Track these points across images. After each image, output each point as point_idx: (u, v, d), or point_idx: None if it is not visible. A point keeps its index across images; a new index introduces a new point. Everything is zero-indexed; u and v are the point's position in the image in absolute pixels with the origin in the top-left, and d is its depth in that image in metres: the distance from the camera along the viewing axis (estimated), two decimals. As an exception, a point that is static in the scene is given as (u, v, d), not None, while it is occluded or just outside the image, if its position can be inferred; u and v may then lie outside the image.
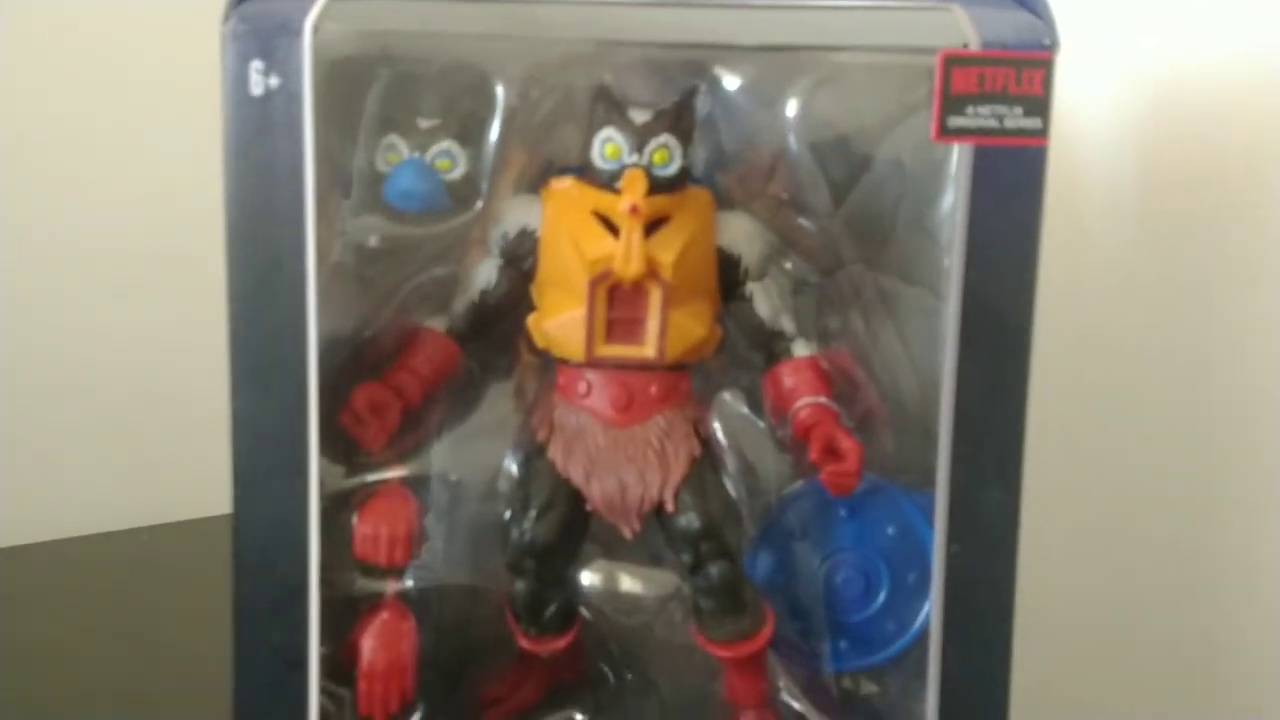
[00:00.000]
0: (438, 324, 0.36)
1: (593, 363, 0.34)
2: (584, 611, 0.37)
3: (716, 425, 0.36)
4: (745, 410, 0.37)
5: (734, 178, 0.35)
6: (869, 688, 0.39)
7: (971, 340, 0.33)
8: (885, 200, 0.37)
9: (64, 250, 0.75)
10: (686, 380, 0.35)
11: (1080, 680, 0.59)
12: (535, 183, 0.35)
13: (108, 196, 0.75)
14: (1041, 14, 0.32)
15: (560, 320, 0.34)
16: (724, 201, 0.36)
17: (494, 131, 0.34)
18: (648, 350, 0.34)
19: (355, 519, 0.34)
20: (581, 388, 0.35)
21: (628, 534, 0.35)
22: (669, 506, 0.34)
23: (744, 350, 0.37)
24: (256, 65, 0.31)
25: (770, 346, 0.37)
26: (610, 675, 0.39)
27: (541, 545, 0.35)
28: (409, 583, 0.35)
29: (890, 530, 0.38)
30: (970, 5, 0.32)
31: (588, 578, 0.36)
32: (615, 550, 0.37)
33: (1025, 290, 0.33)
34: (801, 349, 0.37)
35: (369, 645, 0.35)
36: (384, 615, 0.35)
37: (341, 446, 0.34)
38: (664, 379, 0.35)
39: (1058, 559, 0.55)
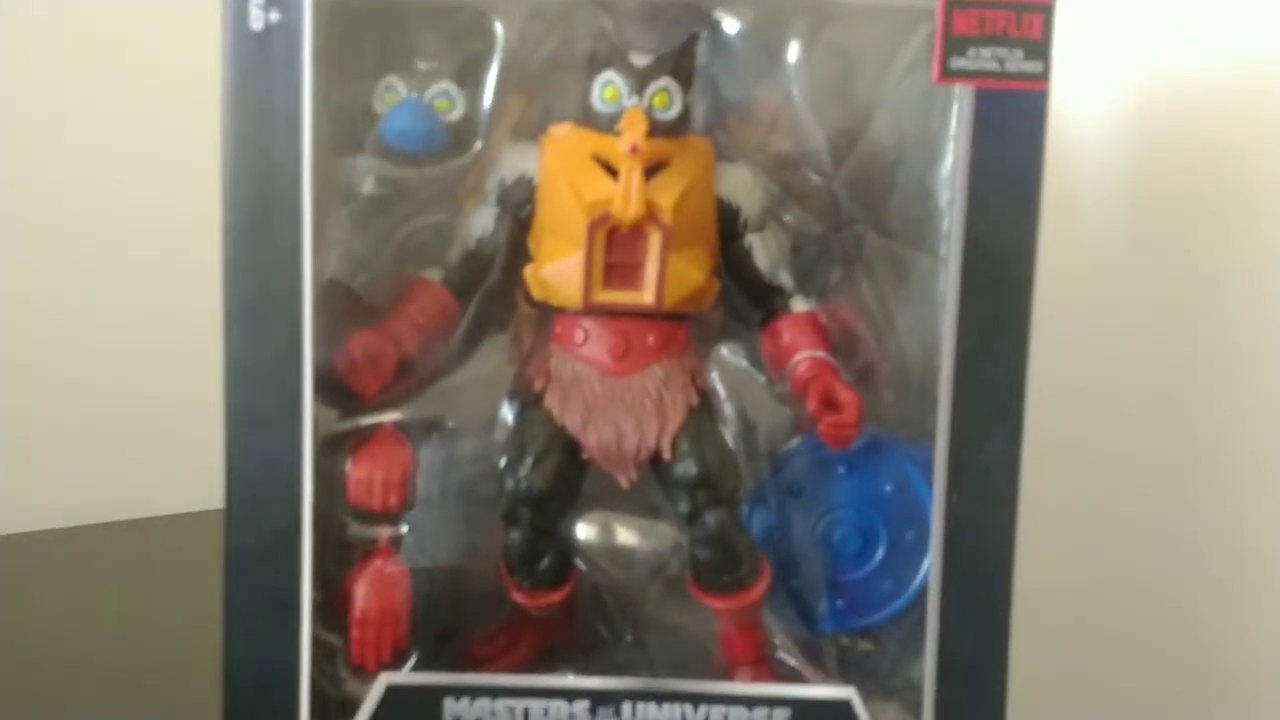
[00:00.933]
0: (434, 275, 0.36)
1: (590, 309, 0.34)
2: (579, 564, 0.36)
3: (715, 378, 0.36)
4: (744, 363, 0.37)
5: (734, 127, 0.35)
6: (864, 645, 0.38)
7: (973, 289, 0.33)
8: (886, 156, 0.37)
9: (56, 239, 0.75)
10: (684, 331, 0.35)
11: (1075, 656, 0.59)
12: (533, 130, 0.35)
13: (101, 188, 0.75)
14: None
15: (558, 266, 0.34)
16: (725, 154, 0.36)
17: (492, 75, 0.34)
18: (646, 296, 0.33)
19: (349, 464, 0.34)
20: (579, 336, 0.34)
21: (624, 483, 0.34)
22: (666, 454, 0.34)
23: (742, 305, 0.37)
24: (257, 0, 0.31)
25: (769, 302, 0.37)
26: (605, 635, 0.39)
27: (537, 494, 0.34)
28: (403, 529, 0.35)
29: (888, 488, 0.38)
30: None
31: (583, 531, 0.36)
32: (612, 503, 0.36)
33: (1027, 239, 0.33)
34: (800, 305, 0.36)
35: (362, 592, 0.34)
36: (377, 563, 0.34)
37: (335, 392, 0.34)
38: (662, 328, 0.35)
39: (1052, 541, 0.55)
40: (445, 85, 0.33)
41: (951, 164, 0.33)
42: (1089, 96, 0.57)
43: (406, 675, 0.34)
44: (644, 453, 0.34)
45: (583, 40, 0.34)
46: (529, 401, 0.35)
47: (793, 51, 0.35)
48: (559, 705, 0.34)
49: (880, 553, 0.37)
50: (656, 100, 0.33)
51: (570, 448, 0.34)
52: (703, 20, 0.34)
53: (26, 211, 0.73)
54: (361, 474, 0.33)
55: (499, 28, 0.34)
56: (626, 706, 0.34)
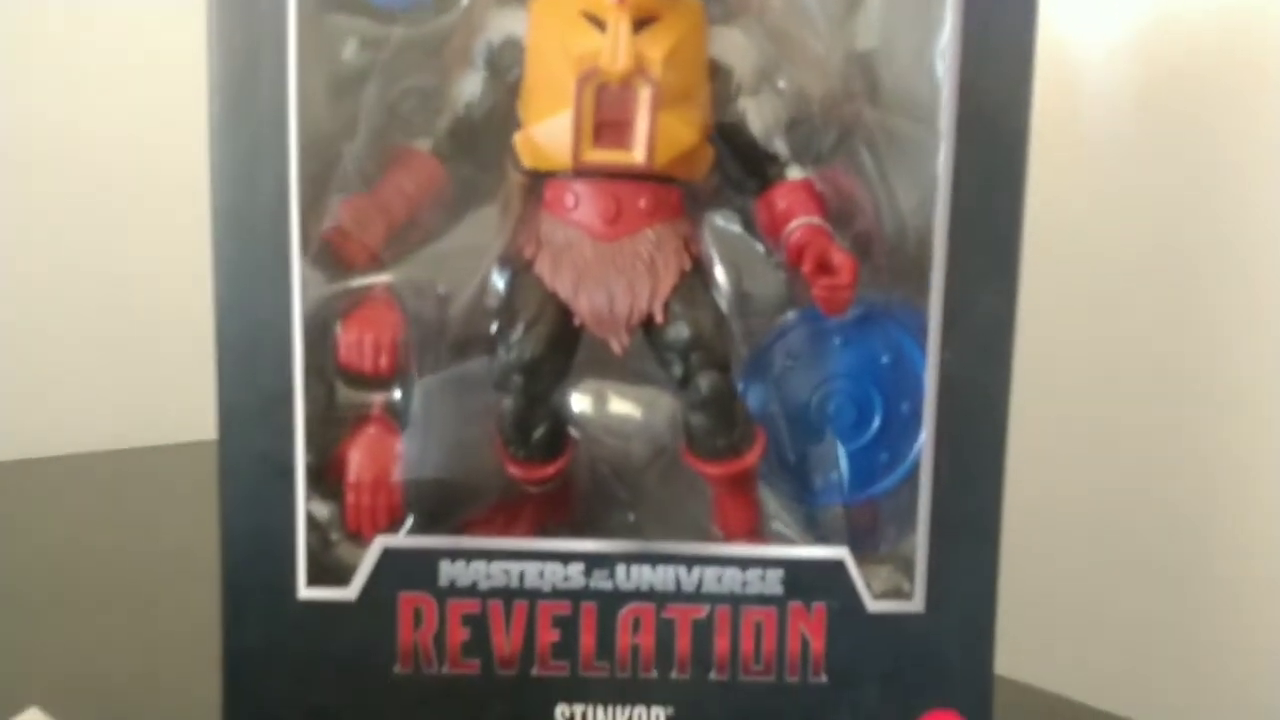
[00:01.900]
0: (423, 145, 0.35)
1: (580, 170, 0.33)
2: (574, 435, 0.36)
3: (710, 246, 0.36)
4: (738, 229, 0.36)
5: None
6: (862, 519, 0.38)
7: (968, 142, 0.32)
8: (884, 27, 0.36)
9: (56, 162, 0.75)
10: (677, 195, 0.35)
11: (1070, 573, 0.59)
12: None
13: (99, 105, 0.75)
14: None
15: (546, 125, 0.33)
16: (718, 19, 0.35)
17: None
18: (636, 154, 0.33)
19: (339, 327, 0.33)
20: (569, 200, 0.34)
21: (616, 348, 0.34)
22: (658, 317, 0.34)
23: (737, 174, 0.37)
24: None
25: (763, 170, 0.36)
26: (600, 510, 0.39)
27: (529, 361, 0.34)
28: (396, 395, 0.35)
29: (884, 359, 0.37)
30: None
31: (578, 401, 0.36)
32: (606, 374, 0.36)
33: (1021, 88, 0.32)
34: (795, 173, 0.36)
35: (356, 459, 0.34)
36: (371, 429, 0.35)
37: (324, 257, 0.34)
38: (654, 192, 0.34)
39: (1047, 462, 0.55)
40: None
41: (948, 30, 0.33)
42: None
43: (402, 539, 0.34)
44: (636, 316, 0.34)
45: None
46: (519, 269, 0.35)
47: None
48: (554, 568, 0.35)
49: (876, 424, 0.37)
50: None
51: (562, 314, 0.34)
52: None
53: (30, 133, 0.74)
54: (351, 337, 0.33)
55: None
56: (621, 569, 0.35)
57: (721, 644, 0.35)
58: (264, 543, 0.34)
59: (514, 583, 0.34)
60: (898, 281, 0.35)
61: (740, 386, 0.37)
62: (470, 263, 0.35)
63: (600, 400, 0.36)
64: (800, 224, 0.35)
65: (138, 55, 0.75)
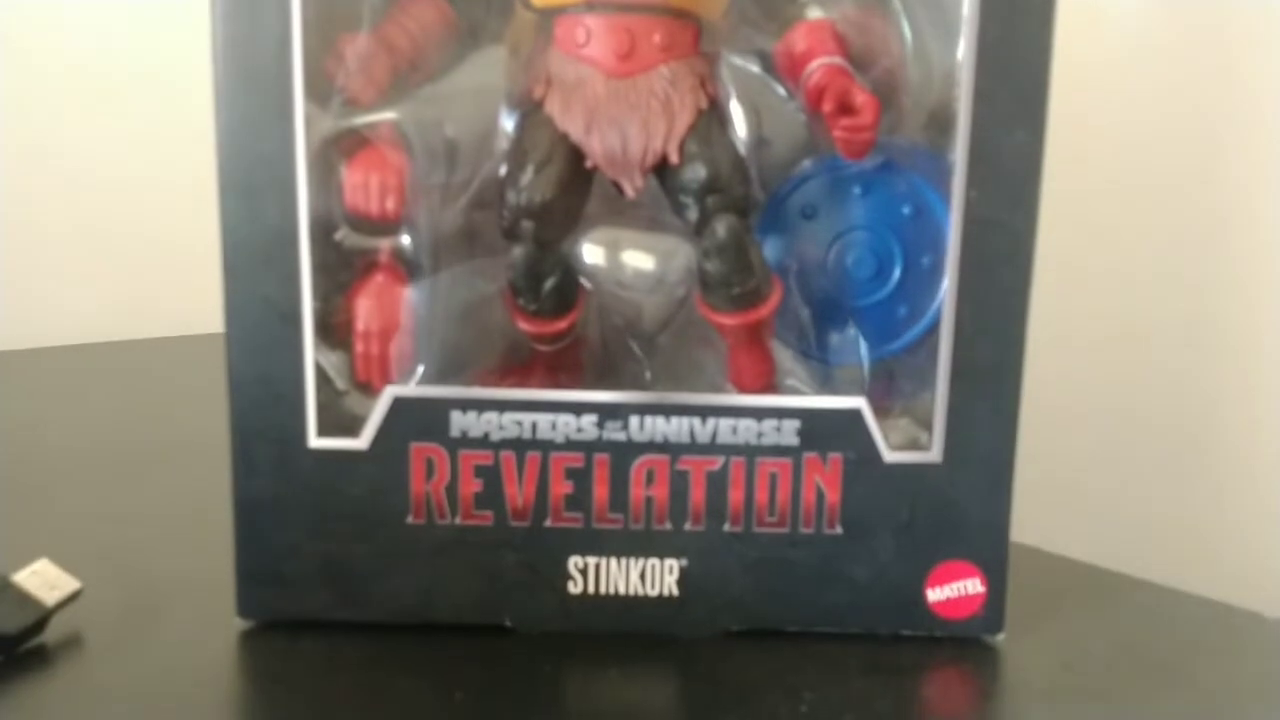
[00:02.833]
0: (429, -18, 0.34)
1: (592, 4, 0.32)
2: (585, 284, 0.36)
3: (728, 86, 0.34)
4: (756, 70, 0.35)
5: None
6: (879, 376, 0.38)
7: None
8: None
9: (56, 60, 0.74)
10: (693, 32, 0.33)
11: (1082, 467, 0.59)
12: None
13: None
14: None
15: (557, -46, 0.32)
16: None
17: None
18: (650, -18, 0.32)
19: (344, 168, 0.32)
20: (580, 35, 0.33)
21: (630, 191, 0.33)
22: (673, 158, 0.33)
23: (754, 13, 0.35)
24: None
25: (782, 10, 0.35)
26: (612, 367, 0.38)
27: (539, 204, 0.33)
28: (404, 240, 0.34)
29: (905, 210, 0.36)
30: None
31: (590, 251, 0.35)
32: (620, 222, 0.35)
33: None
34: (816, 12, 0.35)
35: (364, 308, 0.34)
36: (379, 278, 0.34)
37: (328, 94, 0.33)
38: (669, 26, 0.33)
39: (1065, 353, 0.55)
40: None
41: None
42: None
43: (413, 389, 0.34)
44: (650, 157, 0.33)
45: None
46: (529, 109, 0.34)
47: None
48: (566, 419, 0.34)
49: (896, 276, 0.36)
50: None
51: (573, 156, 0.33)
52: None
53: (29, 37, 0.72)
54: (357, 178, 0.32)
55: None
56: (635, 420, 0.34)
57: (736, 496, 0.34)
58: (272, 390, 0.33)
59: (526, 434, 0.34)
60: (921, 126, 0.34)
61: (756, 237, 0.36)
62: (478, 104, 0.34)
63: (614, 250, 0.35)
64: (820, 64, 0.34)
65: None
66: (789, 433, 0.34)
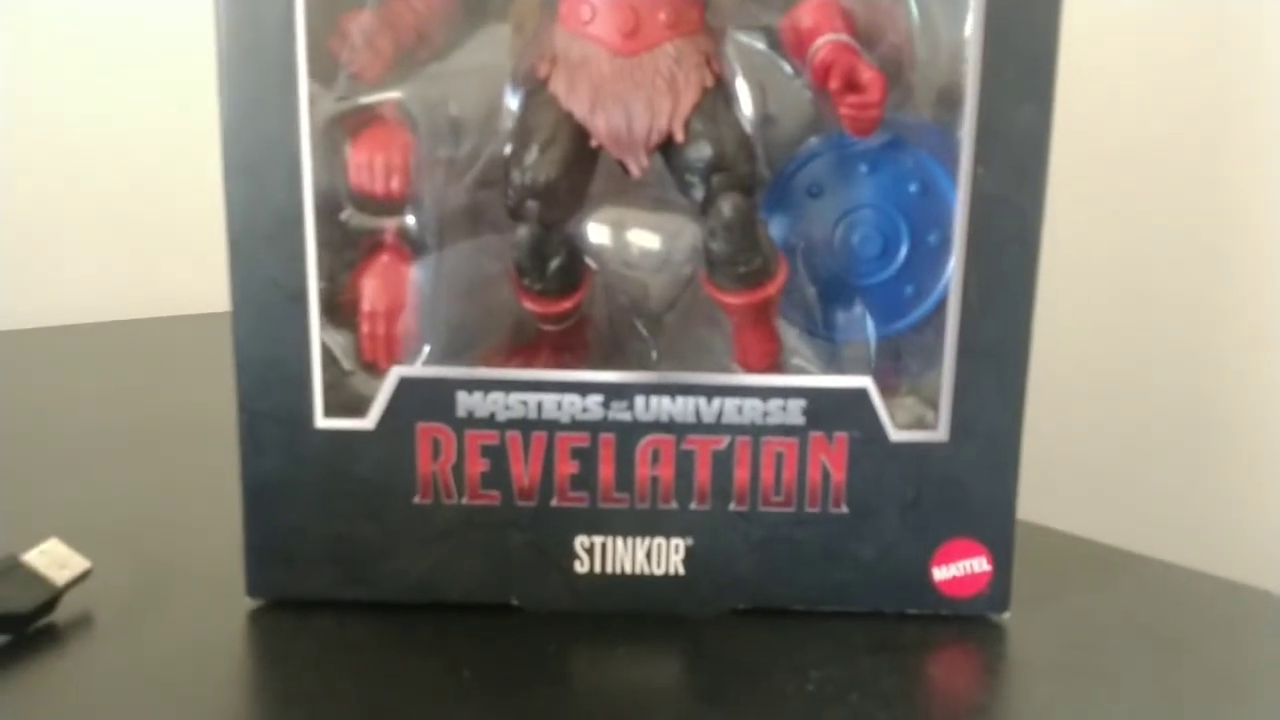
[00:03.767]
0: (433, -41, 0.34)
1: (597, -22, 0.32)
2: (590, 264, 0.35)
3: (734, 63, 0.34)
4: (762, 47, 0.35)
5: None
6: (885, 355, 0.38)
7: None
8: None
9: (61, 37, 0.73)
10: (698, 9, 0.33)
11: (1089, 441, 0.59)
12: None
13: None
14: None
15: (561, -70, 0.32)
16: None
17: None
18: (655, -41, 0.31)
19: (349, 148, 0.32)
20: (585, 13, 0.33)
21: (635, 170, 0.33)
22: (678, 136, 0.33)
23: (761, -11, 0.35)
24: None
25: (789, -13, 0.34)
26: (618, 347, 0.38)
27: (544, 184, 0.33)
28: (409, 220, 0.34)
29: (912, 188, 0.36)
30: None
31: (595, 231, 0.35)
32: (625, 201, 0.35)
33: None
34: (822, -12, 0.34)
35: (370, 287, 0.34)
36: (384, 257, 0.34)
37: (332, 73, 0.32)
38: (674, 4, 0.32)
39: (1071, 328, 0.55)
40: None
41: None
42: None
43: (419, 369, 0.34)
44: (656, 135, 0.33)
45: None
46: (533, 88, 0.33)
47: None
48: (572, 399, 0.34)
49: (903, 254, 0.36)
50: None
51: (578, 135, 0.33)
52: None
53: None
54: (362, 158, 0.32)
55: None
56: (640, 400, 0.34)
57: (741, 475, 0.34)
58: (278, 371, 0.33)
59: (532, 414, 0.34)
60: (928, 103, 0.34)
61: (762, 215, 0.36)
62: (483, 82, 0.34)
63: (619, 230, 0.35)
64: (827, 41, 0.34)
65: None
66: (794, 412, 0.34)
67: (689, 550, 0.35)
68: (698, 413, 0.34)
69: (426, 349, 0.35)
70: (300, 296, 0.32)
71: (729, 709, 0.31)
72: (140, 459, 0.49)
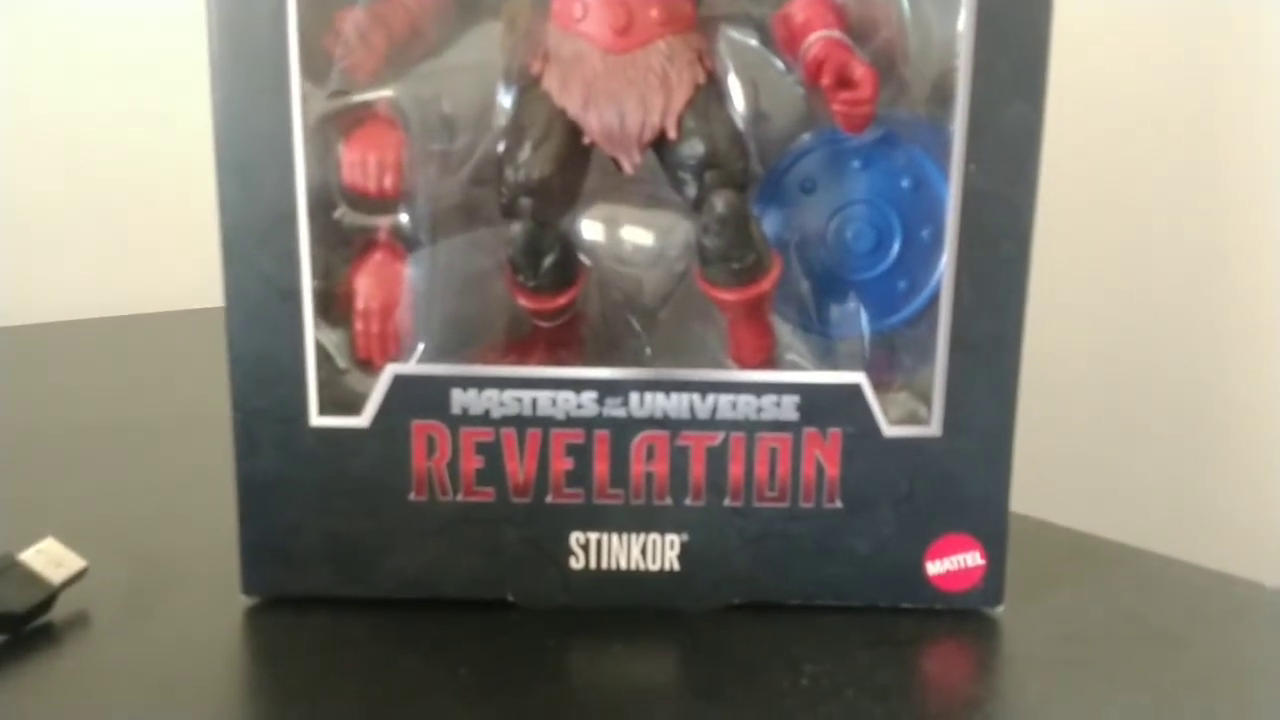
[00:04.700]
0: (426, -43, 0.34)
1: (589, -24, 0.32)
2: (585, 261, 0.35)
3: (726, 60, 0.34)
4: (754, 44, 0.35)
5: None
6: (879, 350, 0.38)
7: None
8: None
9: (56, 34, 0.73)
10: (690, 6, 0.33)
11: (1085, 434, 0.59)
12: None
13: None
14: None
15: (553, -73, 0.32)
16: None
17: None
18: (647, -43, 0.31)
19: (341, 146, 0.32)
20: (577, 10, 0.33)
21: (628, 167, 0.33)
22: (671, 133, 0.33)
23: (753, -13, 0.35)
24: None
25: (781, -18, 0.34)
26: (612, 343, 0.38)
27: (538, 181, 0.33)
28: (403, 219, 0.34)
29: (905, 183, 0.36)
30: None
31: (589, 227, 0.35)
32: (619, 198, 0.35)
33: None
34: (814, -16, 0.34)
35: (364, 285, 0.34)
36: (378, 255, 0.34)
37: (325, 71, 0.32)
38: (666, 1, 0.32)
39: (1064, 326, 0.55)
40: None
41: None
42: None
43: (413, 366, 0.34)
44: (648, 132, 0.33)
45: None
46: (526, 85, 0.33)
47: None
48: (566, 396, 0.34)
49: (895, 249, 0.36)
50: None
51: (571, 132, 0.33)
52: None
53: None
54: (355, 156, 0.32)
55: None
56: (634, 396, 0.34)
57: (736, 471, 0.35)
58: (273, 368, 0.33)
59: (527, 411, 0.34)
60: (921, 99, 0.34)
61: (755, 211, 0.36)
62: (476, 80, 0.34)
63: (612, 227, 0.35)
64: (819, 37, 0.34)
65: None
66: (789, 408, 0.34)
67: (684, 546, 0.35)
68: (692, 409, 0.34)
69: (421, 346, 0.35)
70: (294, 294, 0.33)
71: (724, 704, 0.31)
72: (136, 456, 0.49)
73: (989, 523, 0.35)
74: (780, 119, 0.36)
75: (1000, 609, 0.36)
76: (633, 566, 0.35)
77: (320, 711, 0.30)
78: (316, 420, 0.34)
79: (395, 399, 0.34)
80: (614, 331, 0.38)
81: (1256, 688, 0.33)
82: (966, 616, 0.36)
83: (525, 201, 0.33)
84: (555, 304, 0.36)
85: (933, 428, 0.34)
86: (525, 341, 0.37)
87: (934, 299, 0.35)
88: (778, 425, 0.34)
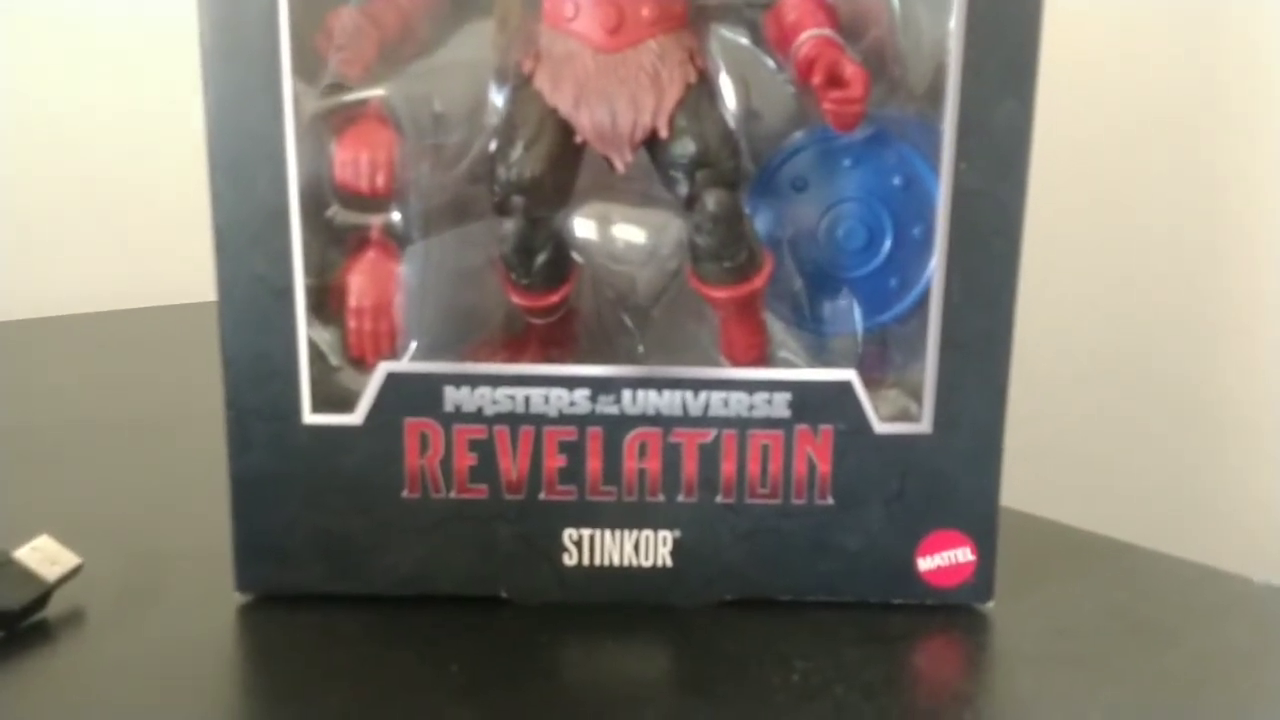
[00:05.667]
0: (417, -44, 0.34)
1: (580, -25, 0.32)
2: (578, 259, 0.36)
3: (718, 59, 0.34)
4: (746, 43, 0.35)
5: None
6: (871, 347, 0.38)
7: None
8: None
9: (54, 29, 0.73)
10: (681, 5, 0.33)
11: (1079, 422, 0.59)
12: None
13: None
14: None
15: (544, -74, 0.32)
16: None
17: None
18: (638, -44, 0.31)
19: (333, 145, 0.32)
20: (568, 10, 0.33)
21: (619, 166, 0.33)
22: (663, 132, 0.33)
23: (744, -16, 0.35)
24: None
25: (772, -20, 0.35)
26: (605, 340, 0.38)
27: (530, 180, 0.33)
28: (395, 217, 0.34)
29: (896, 180, 0.36)
30: None
31: (581, 225, 0.35)
32: (611, 196, 0.35)
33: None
34: (805, -18, 0.34)
35: (356, 284, 0.34)
36: (370, 254, 0.34)
37: (316, 70, 0.33)
38: (657, 0, 0.33)
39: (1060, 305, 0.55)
40: None
41: None
42: None
43: (406, 364, 0.34)
44: (640, 131, 0.33)
45: None
46: (518, 84, 0.34)
47: None
48: (559, 393, 0.34)
49: (887, 246, 0.36)
50: None
51: (563, 131, 0.33)
52: None
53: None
54: (347, 155, 0.32)
55: None
56: (627, 394, 0.34)
57: (728, 467, 0.35)
58: (266, 366, 0.33)
59: (519, 408, 0.34)
60: (911, 97, 0.34)
61: (747, 210, 0.36)
62: (467, 78, 0.34)
63: (605, 224, 0.35)
64: (810, 36, 0.34)
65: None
66: (780, 405, 0.34)
67: (676, 542, 0.35)
68: (684, 406, 0.34)
69: (414, 344, 0.35)
70: (286, 292, 0.33)
71: (715, 700, 0.31)
72: (130, 453, 0.49)
73: (979, 519, 0.35)
74: (771, 117, 0.36)
75: (991, 604, 0.36)
76: (625, 563, 0.35)
77: (313, 708, 0.30)
78: (309, 418, 0.34)
79: (388, 396, 0.34)
80: (607, 329, 0.38)
81: (1246, 681, 0.33)
82: (957, 612, 0.36)
83: (518, 200, 0.33)
84: (548, 301, 0.36)
85: (923, 424, 0.34)
86: (518, 339, 0.38)
87: (925, 296, 0.35)
88: (769, 422, 0.34)
